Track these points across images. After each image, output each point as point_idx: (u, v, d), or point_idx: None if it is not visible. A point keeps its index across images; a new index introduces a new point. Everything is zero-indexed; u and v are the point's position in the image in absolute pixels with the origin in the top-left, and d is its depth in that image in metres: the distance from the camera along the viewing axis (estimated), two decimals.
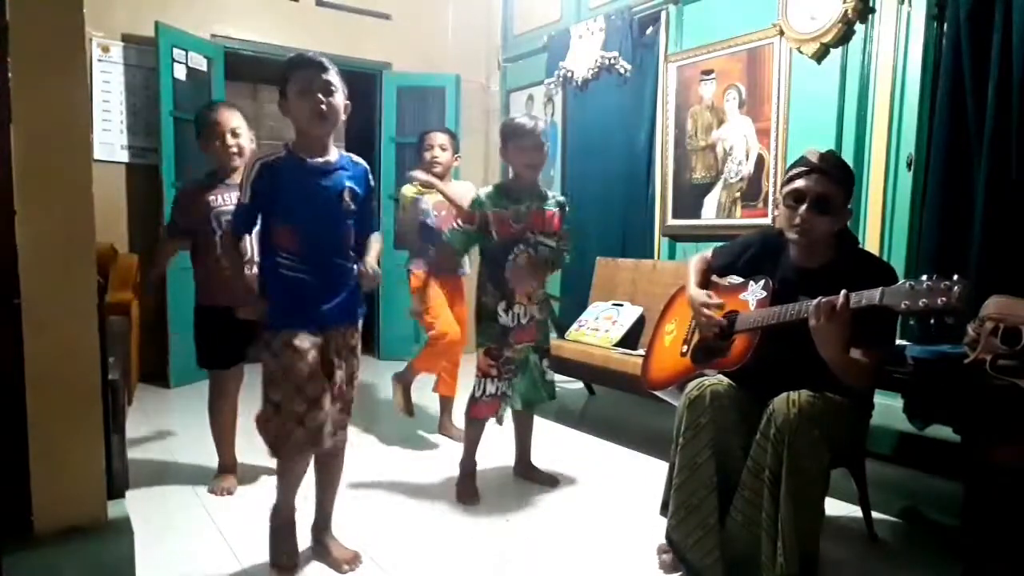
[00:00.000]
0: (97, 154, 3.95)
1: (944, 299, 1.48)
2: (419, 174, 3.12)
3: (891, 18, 2.89)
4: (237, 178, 2.30)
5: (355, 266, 1.95)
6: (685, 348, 2.13)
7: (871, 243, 2.91)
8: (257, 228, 1.93)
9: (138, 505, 1.99)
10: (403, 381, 3.10)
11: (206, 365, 2.53)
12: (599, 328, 3.53)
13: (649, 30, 4.02)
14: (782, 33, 3.27)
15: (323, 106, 1.79)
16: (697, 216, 3.78)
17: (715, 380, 1.85)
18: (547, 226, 2.46)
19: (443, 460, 2.79)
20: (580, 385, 4.21)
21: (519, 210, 2.40)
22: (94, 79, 4.01)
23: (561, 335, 3.73)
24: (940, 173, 2.69)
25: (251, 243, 2.40)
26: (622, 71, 4.10)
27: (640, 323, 3.47)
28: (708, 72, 3.67)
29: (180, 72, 4.12)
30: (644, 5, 4.00)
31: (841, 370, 1.73)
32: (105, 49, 4.08)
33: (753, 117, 3.46)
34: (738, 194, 3.55)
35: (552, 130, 4.73)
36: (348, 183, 1.89)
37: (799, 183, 1.86)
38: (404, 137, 4.84)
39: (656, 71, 3.94)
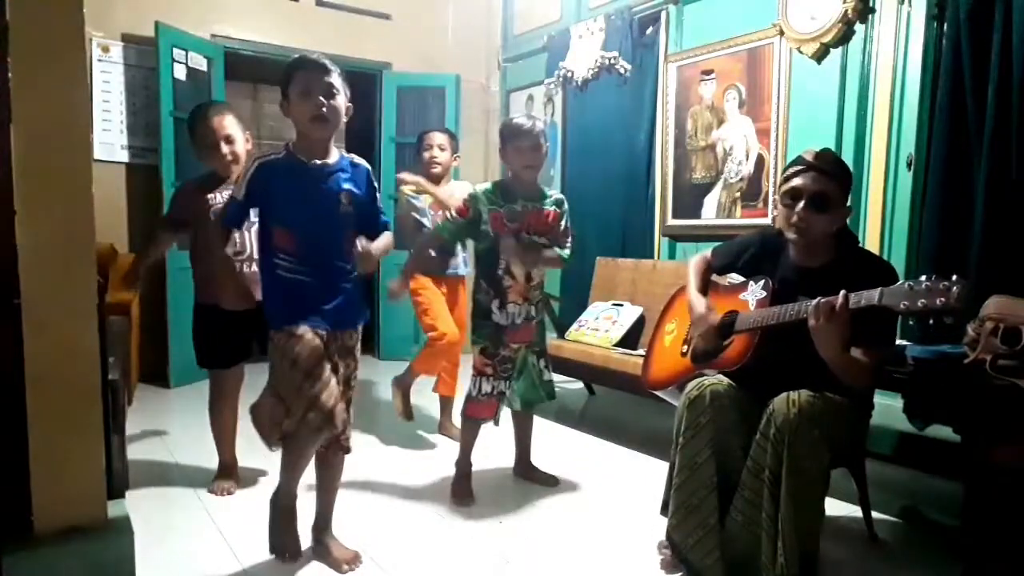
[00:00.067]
0: (97, 154, 3.95)
1: (943, 299, 1.48)
2: (407, 176, 3.12)
3: (891, 18, 2.89)
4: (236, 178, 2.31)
5: (356, 270, 1.96)
6: (685, 348, 2.13)
7: (871, 243, 2.91)
8: (256, 228, 1.94)
9: (138, 505, 1.99)
10: (402, 386, 3.11)
11: (206, 365, 2.53)
12: (599, 328, 3.53)
13: (649, 30, 4.03)
14: (782, 33, 3.27)
15: (324, 109, 1.79)
16: (697, 216, 3.78)
17: (715, 380, 1.85)
18: (544, 225, 2.45)
19: (443, 460, 2.79)
20: (580, 385, 4.21)
21: (514, 209, 2.40)
22: (94, 79, 4.01)
23: (561, 335, 3.73)
24: (940, 173, 2.69)
25: (250, 241, 2.41)
26: (622, 71, 4.10)
27: (640, 323, 3.47)
28: (708, 72, 3.67)
29: (180, 72, 4.12)
30: (644, 5, 4.00)
31: (841, 370, 1.73)
32: (105, 49, 4.08)
33: (753, 117, 3.46)
34: (738, 194, 3.55)
35: (552, 130, 4.73)
36: (346, 185, 1.89)
37: (796, 181, 1.86)
38: (404, 137, 4.84)
39: (656, 71, 3.94)
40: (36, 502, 1.47)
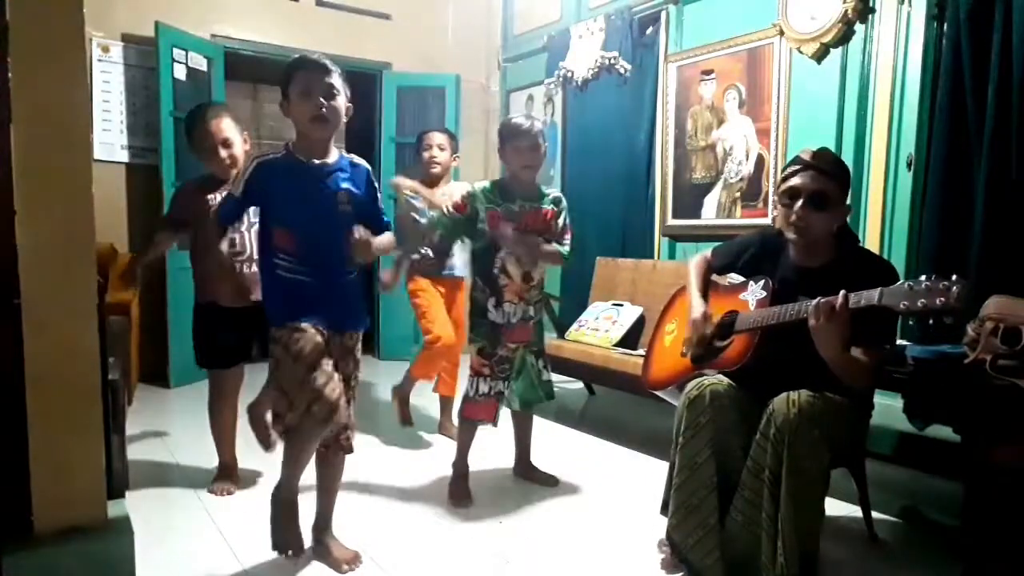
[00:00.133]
0: (97, 154, 3.95)
1: (943, 299, 1.48)
2: (401, 181, 3.12)
3: (891, 18, 2.89)
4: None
5: (356, 271, 1.95)
6: (685, 348, 2.12)
7: (871, 243, 2.91)
8: (256, 228, 1.94)
9: (138, 505, 1.99)
10: (401, 393, 3.13)
11: (205, 364, 2.52)
12: (599, 328, 3.53)
13: (649, 30, 4.03)
14: (782, 33, 3.27)
15: (324, 110, 1.79)
16: (697, 216, 3.78)
17: (715, 380, 1.85)
18: (543, 223, 2.44)
19: (443, 460, 2.79)
20: (580, 385, 4.22)
21: (511, 209, 2.39)
22: (94, 79, 4.01)
23: (561, 335, 3.73)
24: (940, 173, 2.69)
25: (250, 241, 2.41)
26: (622, 71, 4.10)
27: (640, 323, 3.47)
28: (708, 72, 3.67)
29: (180, 72, 4.12)
30: (644, 5, 4.01)
31: (841, 370, 1.73)
32: (105, 49, 4.08)
33: (753, 117, 3.46)
34: (738, 194, 3.55)
35: (552, 130, 4.73)
36: (344, 185, 1.89)
37: (794, 181, 1.86)
38: (404, 137, 4.84)
39: (656, 71, 3.94)
40: (36, 502, 1.47)
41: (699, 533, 1.79)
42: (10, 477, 1.45)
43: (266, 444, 2.49)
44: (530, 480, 2.68)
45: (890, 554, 2.14)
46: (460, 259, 3.15)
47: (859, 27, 3.01)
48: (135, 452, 2.76)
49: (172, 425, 3.32)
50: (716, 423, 1.79)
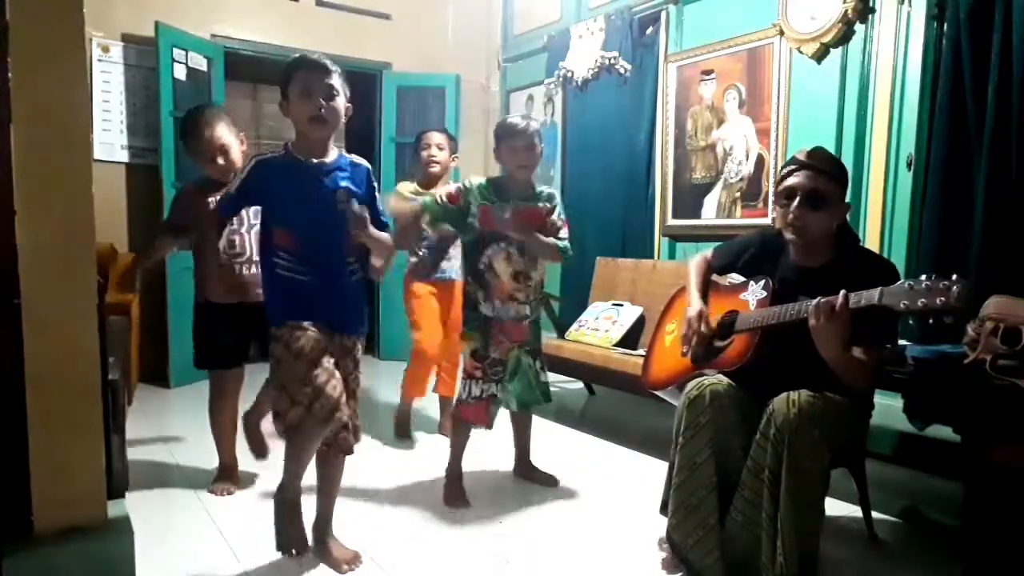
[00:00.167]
0: (97, 154, 3.95)
1: (943, 299, 1.48)
2: (396, 202, 3.11)
3: (891, 18, 2.89)
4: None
5: (357, 272, 1.95)
6: (686, 348, 2.12)
7: (871, 243, 2.91)
8: (256, 229, 1.94)
9: (138, 505, 1.99)
10: (400, 416, 3.17)
11: (203, 365, 2.52)
12: (599, 328, 3.53)
13: (649, 30, 4.03)
14: (782, 33, 3.27)
15: (323, 110, 1.79)
16: (697, 216, 3.78)
17: (715, 380, 1.85)
18: (539, 221, 2.43)
19: (443, 460, 2.78)
20: (580, 385, 4.22)
21: (504, 207, 2.39)
22: (94, 79, 4.01)
23: (561, 335, 3.73)
24: (940, 173, 2.69)
25: (249, 242, 2.41)
26: (622, 71, 4.10)
27: (640, 323, 3.47)
28: (708, 72, 3.67)
29: (180, 72, 4.12)
30: (644, 5, 4.01)
31: (841, 370, 1.73)
32: (105, 49, 4.08)
33: (753, 117, 3.47)
34: (738, 194, 3.55)
35: (552, 130, 4.73)
36: (344, 183, 1.89)
37: (790, 181, 1.87)
38: (404, 137, 4.84)
39: (656, 71, 3.94)
40: (36, 502, 1.47)
41: (699, 533, 1.79)
42: (10, 477, 1.45)
43: (259, 453, 2.51)
44: (530, 480, 2.68)
45: (890, 554, 2.14)
46: (456, 262, 3.14)
47: (859, 27, 3.01)
48: (135, 452, 2.76)
49: (172, 425, 3.32)
50: (716, 423, 1.79)
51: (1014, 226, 2.47)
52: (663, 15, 3.90)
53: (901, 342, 2.32)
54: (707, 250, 2.24)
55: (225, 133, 2.42)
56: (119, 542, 1.53)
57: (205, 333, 2.50)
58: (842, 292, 1.65)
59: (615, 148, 4.20)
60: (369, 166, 1.99)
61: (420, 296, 3.08)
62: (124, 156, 4.16)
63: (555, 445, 3.12)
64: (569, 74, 4.45)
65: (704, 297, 2.11)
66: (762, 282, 1.95)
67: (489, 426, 2.50)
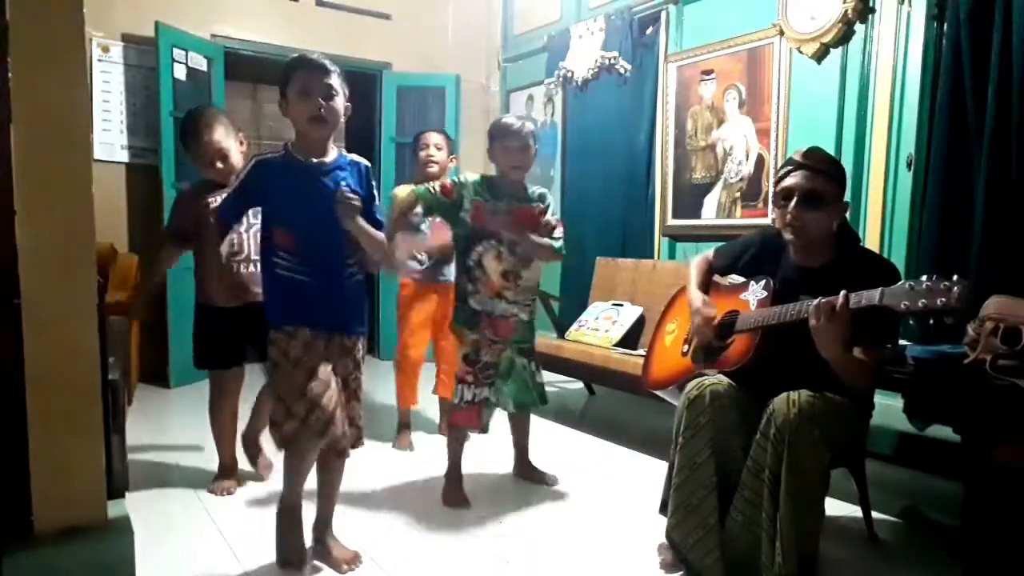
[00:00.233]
0: (97, 154, 3.95)
1: (943, 300, 1.48)
2: (402, 190, 3.12)
3: (891, 18, 2.89)
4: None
5: (357, 272, 1.95)
6: (686, 348, 2.13)
7: (871, 243, 2.91)
8: (256, 228, 1.94)
9: (138, 505, 1.99)
10: (401, 424, 3.16)
11: (203, 365, 2.52)
12: (599, 328, 3.53)
13: (649, 30, 4.02)
14: (782, 33, 3.27)
15: (322, 110, 1.79)
16: (697, 216, 3.78)
17: (715, 380, 1.85)
18: (533, 221, 2.43)
19: (443, 461, 2.79)
20: (580, 385, 4.21)
21: (498, 206, 2.39)
22: (94, 79, 4.01)
23: (561, 335, 3.73)
24: (940, 173, 2.69)
25: (248, 242, 2.41)
26: (622, 71, 4.10)
27: (640, 323, 3.47)
28: (708, 72, 3.67)
29: (180, 72, 4.12)
30: (644, 5, 4.01)
31: (842, 370, 1.73)
32: (105, 49, 4.08)
33: (753, 117, 3.46)
34: (738, 194, 3.55)
35: (552, 130, 4.73)
36: (344, 183, 1.88)
37: (787, 181, 1.87)
38: (404, 137, 4.83)
39: (656, 71, 3.94)
40: (36, 502, 1.47)
41: (699, 533, 1.79)
42: (10, 477, 1.45)
43: (260, 469, 2.54)
44: (529, 480, 2.68)
45: (890, 554, 2.14)
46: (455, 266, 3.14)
47: (859, 27, 3.01)
48: (135, 452, 2.76)
49: (172, 425, 3.32)
50: (716, 423, 1.79)
51: (1014, 226, 2.47)
52: (663, 15, 3.90)
53: (901, 342, 2.32)
54: (708, 250, 2.24)
55: (224, 137, 2.42)
56: (119, 542, 1.53)
57: (205, 333, 2.50)
58: (842, 292, 1.65)
59: (615, 148, 4.19)
60: (368, 165, 1.99)
61: (411, 300, 3.09)
62: (124, 156, 4.16)
63: (555, 445, 3.11)
64: (569, 74, 4.45)
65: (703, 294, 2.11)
66: (763, 282, 1.95)
67: (483, 430, 2.50)
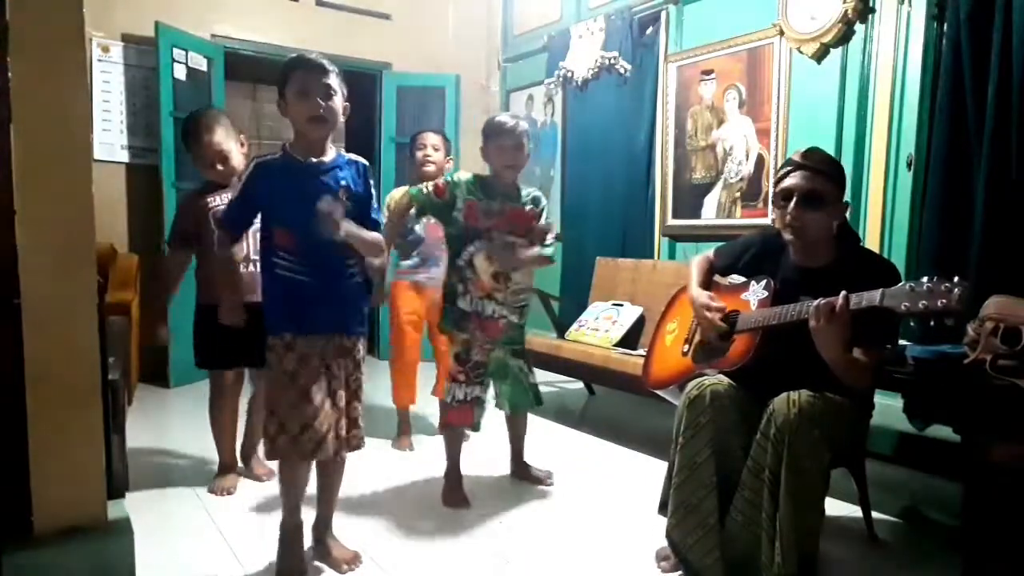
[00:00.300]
0: (97, 154, 3.95)
1: (944, 301, 1.48)
2: (399, 192, 3.12)
3: (891, 18, 2.89)
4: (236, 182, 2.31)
5: (357, 273, 1.95)
6: (686, 348, 2.13)
7: (871, 243, 2.91)
8: (256, 229, 1.94)
9: (138, 505, 1.99)
10: (401, 427, 3.16)
11: (204, 365, 2.52)
12: (599, 328, 3.53)
13: (649, 30, 4.03)
14: (782, 33, 3.27)
15: (321, 110, 1.79)
16: (697, 216, 3.78)
17: (715, 380, 1.85)
18: (527, 222, 2.43)
19: (442, 461, 2.79)
20: (580, 385, 4.21)
21: (491, 206, 2.39)
22: (94, 79, 4.00)
23: (561, 335, 3.73)
24: (940, 173, 2.69)
25: (248, 242, 2.41)
26: (622, 71, 4.10)
27: (640, 323, 3.47)
28: (708, 72, 3.67)
29: (180, 72, 4.12)
30: (644, 5, 4.01)
31: (842, 370, 1.73)
32: (105, 49, 4.08)
33: (753, 117, 3.47)
34: (738, 194, 3.55)
35: (552, 130, 4.73)
36: (343, 182, 1.88)
37: (786, 182, 1.87)
38: (404, 137, 4.81)
39: (656, 71, 3.94)
40: (36, 502, 1.47)
41: (699, 533, 1.79)
42: (10, 477, 1.45)
43: (260, 477, 2.55)
44: (525, 479, 2.67)
45: (890, 554, 2.14)
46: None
47: (859, 27, 3.01)
48: (135, 452, 2.76)
49: (172, 425, 3.32)
50: (716, 423, 1.79)
51: (1014, 226, 2.47)
52: (663, 15, 3.90)
53: (901, 342, 2.32)
54: (709, 250, 2.24)
55: (225, 138, 2.43)
56: (119, 542, 1.53)
57: (205, 334, 2.50)
58: (842, 293, 1.65)
59: (615, 148, 4.19)
60: (367, 164, 1.98)
61: (402, 304, 3.10)
62: (124, 156, 4.16)
63: (555, 445, 3.12)
64: (569, 74, 4.45)
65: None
66: (763, 282, 1.95)
67: (475, 428, 2.50)
